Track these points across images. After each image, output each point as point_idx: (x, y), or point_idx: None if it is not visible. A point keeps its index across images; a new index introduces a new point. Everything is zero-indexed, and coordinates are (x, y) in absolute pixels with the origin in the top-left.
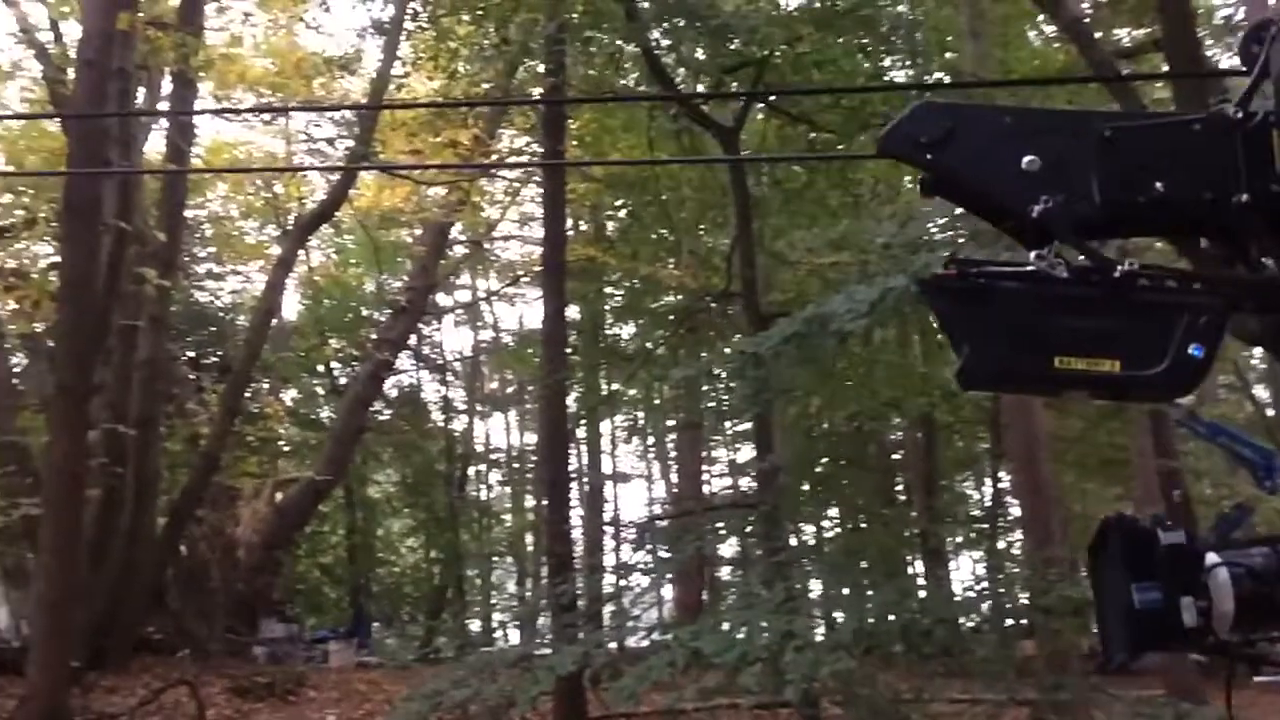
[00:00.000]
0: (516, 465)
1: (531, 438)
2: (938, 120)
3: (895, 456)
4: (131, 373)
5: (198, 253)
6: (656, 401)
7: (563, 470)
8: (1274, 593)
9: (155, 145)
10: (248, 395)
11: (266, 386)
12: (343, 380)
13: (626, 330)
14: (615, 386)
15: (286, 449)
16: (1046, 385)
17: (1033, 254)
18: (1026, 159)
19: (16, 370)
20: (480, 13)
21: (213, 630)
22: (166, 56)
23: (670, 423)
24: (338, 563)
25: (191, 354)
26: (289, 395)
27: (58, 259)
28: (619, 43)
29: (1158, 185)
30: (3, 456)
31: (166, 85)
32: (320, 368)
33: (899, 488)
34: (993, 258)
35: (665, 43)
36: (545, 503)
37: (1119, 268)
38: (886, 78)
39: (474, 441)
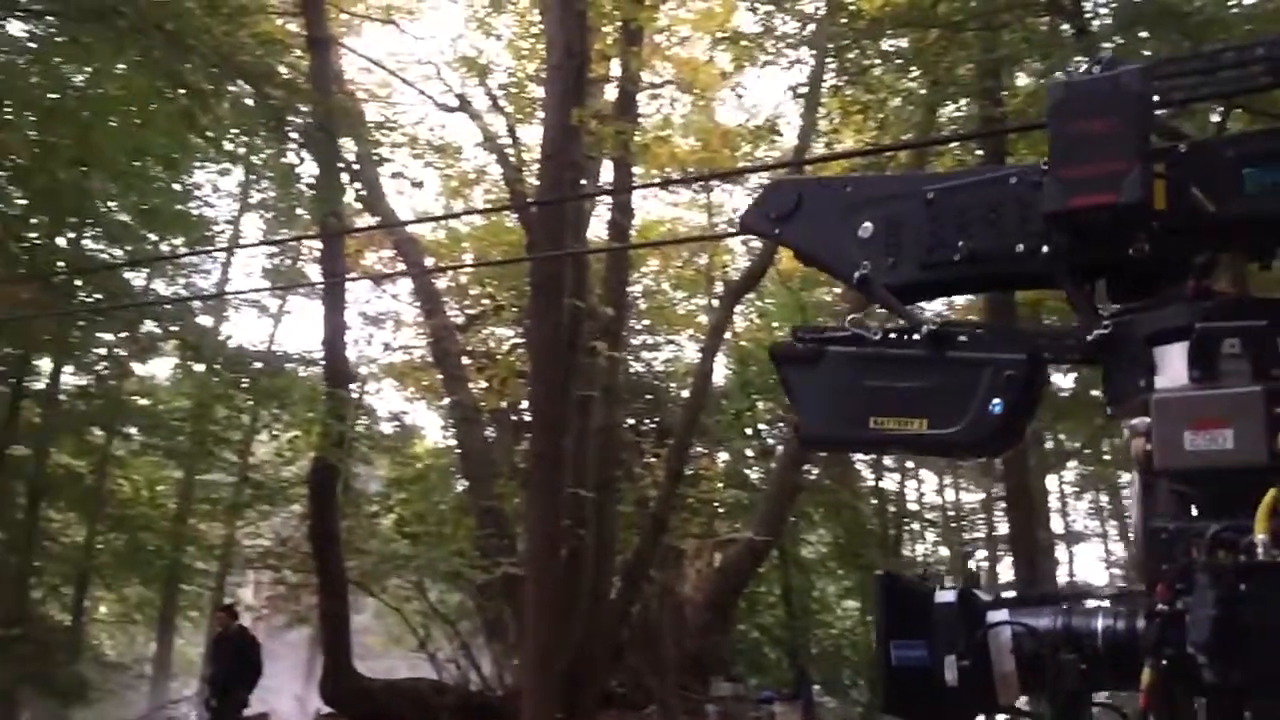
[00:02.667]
0: (953, 525)
1: (966, 496)
2: (785, 196)
3: None
4: (588, 440)
5: (634, 324)
6: (1107, 455)
7: (1029, 529)
8: (1054, 656)
9: (597, 229)
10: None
11: (702, 450)
12: (770, 441)
13: (1068, 379)
14: (1061, 437)
15: (720, 510)
16: (865, 446)
17: (848, 319)
18: (862, 227)
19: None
20: (905, 60)
21: (666, 687)
22: (607, 145)
23: (1125, 476)
24: (776, 623)
25: (631, 420)
26: (721, 457)
27: (518, 340)
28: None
29: (964, 243)
30: (483, 520)
31: (605, 172)
32: (749, 430)
33: None
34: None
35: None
36: (1010, 564)
37: (925, 326)
38: None
39: (906, 500)
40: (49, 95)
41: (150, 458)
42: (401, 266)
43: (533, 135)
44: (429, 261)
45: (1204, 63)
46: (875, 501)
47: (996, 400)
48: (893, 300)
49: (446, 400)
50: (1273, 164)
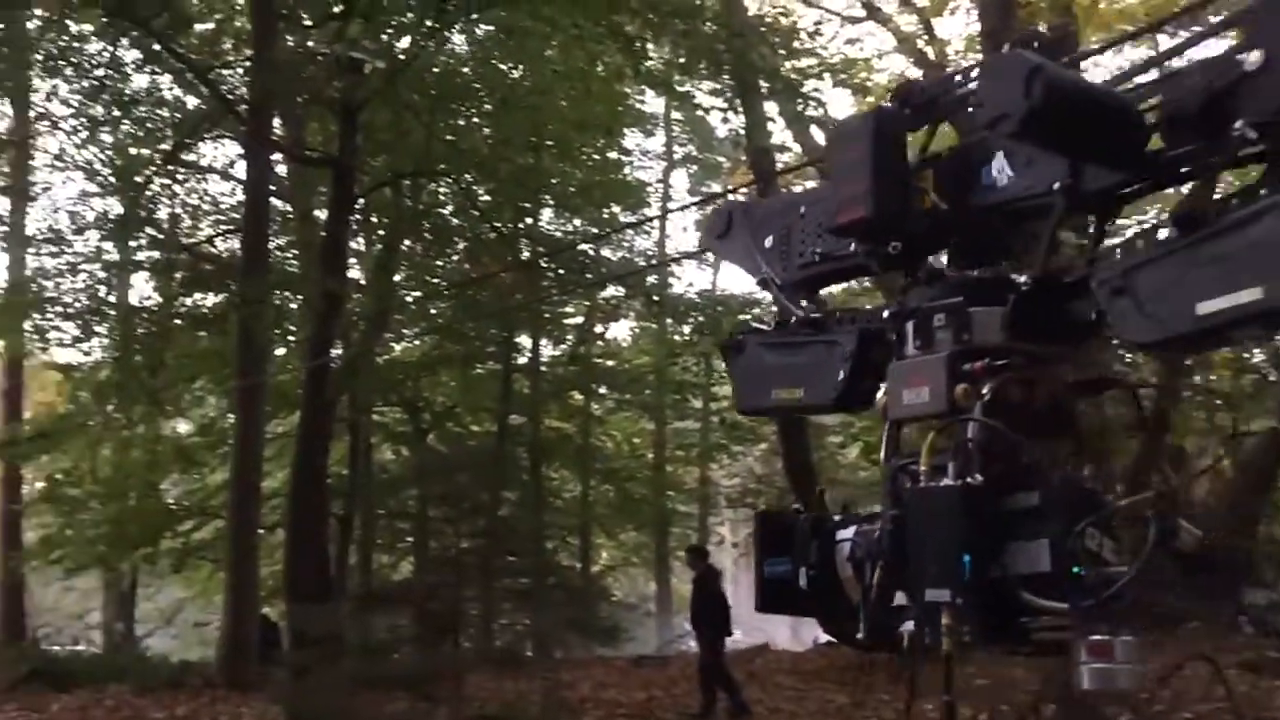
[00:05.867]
0: None
1: None
2: (720, 219)
3: None
4: None
5: None
6: None
7: None
8: (866, 560)
9: None
10: None
11: None
12: None
13: None
14: None
15: (1218, 402)
16: (771, 412)
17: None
18: (767, 239)
19: None
20: None
21: (1192, 600)
22: (1044, 16)
23: None
24: None
25: None
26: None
27: None
28: None
29: (817, 247)
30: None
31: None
32: None
33: None
34: None
35: None
36: None
37: (795, 315)
38: None
39: None
40: (496, 91)
41: (624, 413)
42: None
43: (947, 28)
44: None
45: (943, 85)
46: None
47: (840, 371)
48: (780, 296)
49: None
50: (992, 160)
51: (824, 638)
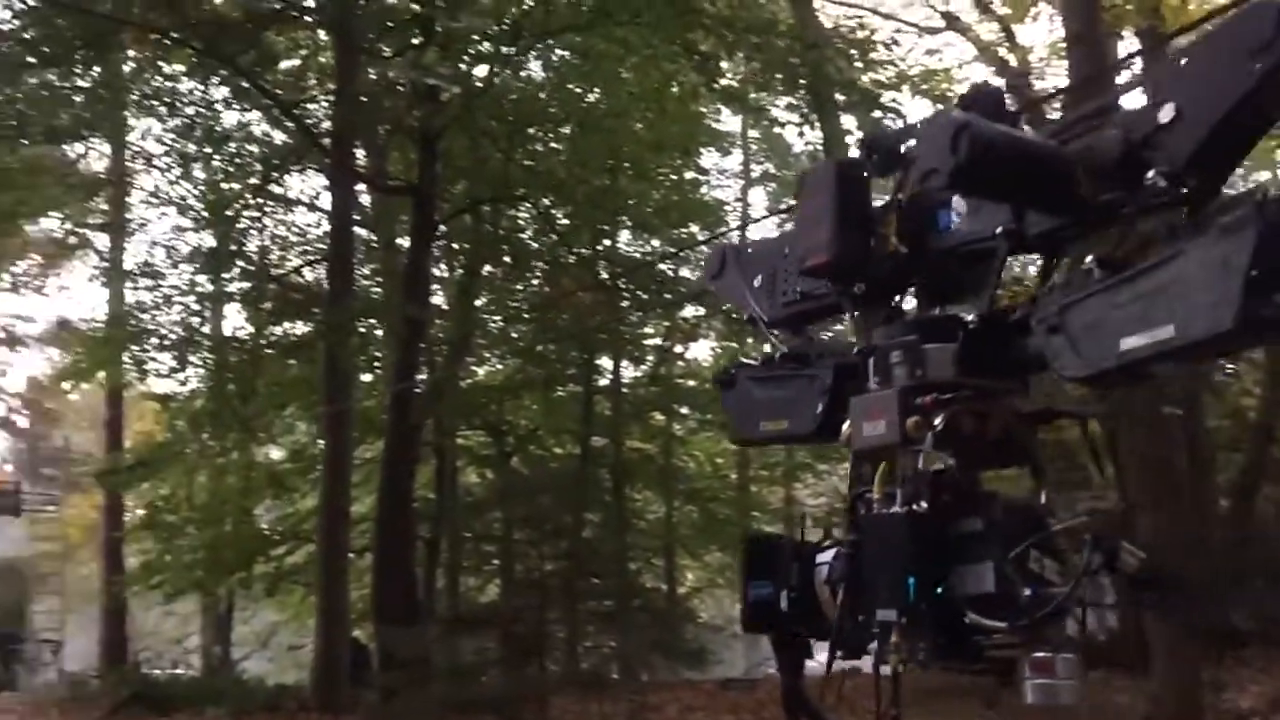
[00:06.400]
0: None
1: None
2: (715, 260)
3: None
4: None
5: None
6: None
7: None
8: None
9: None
10: None
11: None
12: None
13: None
14: None
15: None
16: (761, 442)
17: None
18: (757, 278)
19: None
20: None
21: None
22: (1131, 20)
23: None
24: None
25: None
26: None
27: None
28: None
29: (798, 286)
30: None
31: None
32: None
33: None
34: None
35: None
36: None
37: (779, 351)
38: None
39: None
40: (572, 115)
41: (707, 433)
42: None
43: (1030, 35)
44: None
45: (906, 135)
46: None
47: (819, 404)
48: (767, 333)
49: None
50: (946, 206)
51: None
